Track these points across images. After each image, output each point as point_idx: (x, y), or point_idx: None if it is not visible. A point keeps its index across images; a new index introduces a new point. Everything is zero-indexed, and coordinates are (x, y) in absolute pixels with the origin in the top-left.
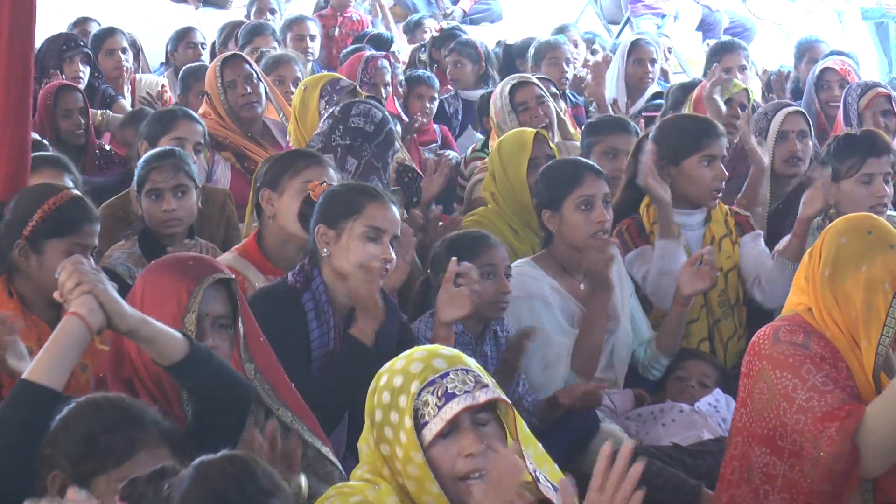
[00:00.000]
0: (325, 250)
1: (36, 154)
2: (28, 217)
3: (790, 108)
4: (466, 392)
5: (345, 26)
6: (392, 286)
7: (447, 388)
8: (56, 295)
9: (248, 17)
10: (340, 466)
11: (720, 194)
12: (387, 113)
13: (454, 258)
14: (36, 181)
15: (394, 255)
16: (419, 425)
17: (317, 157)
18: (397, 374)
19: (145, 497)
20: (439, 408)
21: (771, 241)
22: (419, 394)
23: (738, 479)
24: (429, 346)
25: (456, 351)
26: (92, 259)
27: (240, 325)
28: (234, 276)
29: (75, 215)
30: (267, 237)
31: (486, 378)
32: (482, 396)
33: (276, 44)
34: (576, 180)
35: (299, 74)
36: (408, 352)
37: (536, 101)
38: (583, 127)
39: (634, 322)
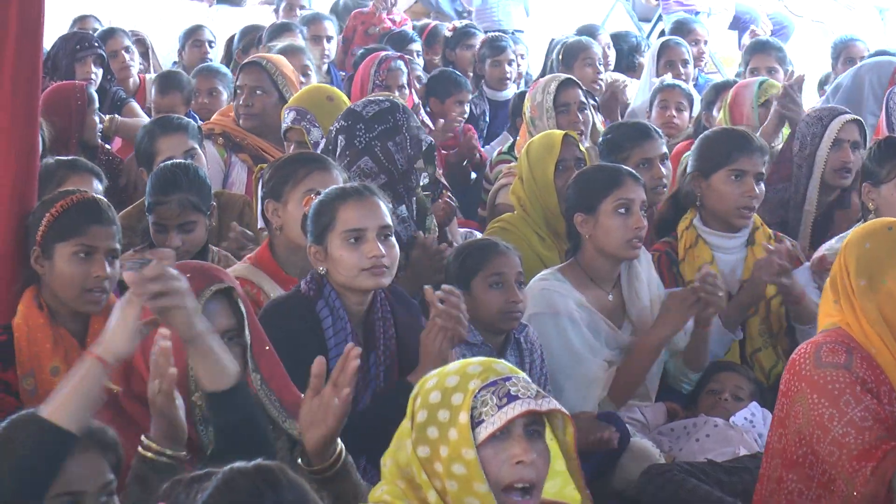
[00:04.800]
0: (322, 268)
1: (66, 158)
2: (40, 223)
3: (847, 117)
4: (529, 397)
5: (382, 21)
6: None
7: (510, 390)
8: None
9: (276, 12)
10: None
11: (750, 212)
12: (404, 105)
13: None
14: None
15: (385, 248)
16: (473, 424)
17: (319, 160)
18: (451, 375)
19: (178, 499)
20: (499, 408)
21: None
22: (478, 393)
23: (770, 501)
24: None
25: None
26: (107, 263)
27: (247, 333)
28: (232, 284)
29: (80, 217)
30: (277, 246)
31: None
32: (545, 405)
33: (303, 42)
34: (615, 183)
35: (307, 62)
36: (460, 361)
37: (578, 106)
38: (600, 143)
39: None
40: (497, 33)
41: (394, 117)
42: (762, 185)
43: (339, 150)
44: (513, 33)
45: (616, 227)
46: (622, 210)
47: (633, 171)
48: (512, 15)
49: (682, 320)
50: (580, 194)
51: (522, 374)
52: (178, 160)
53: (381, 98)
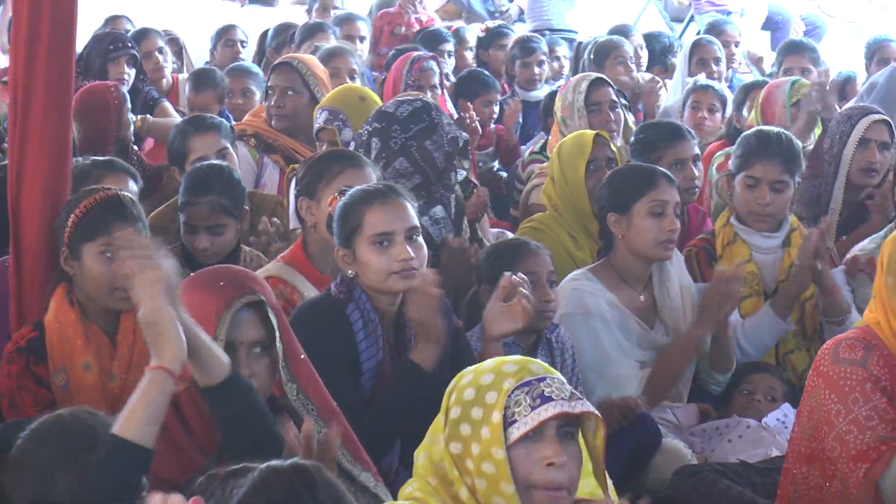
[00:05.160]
0: (350, 272)
1: (102, 159)
2: (66, 224)
3: (876, 116)
4: (563, 399)
5: (410, 26)
6: None
7: (544, 391)
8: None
9: (308, 12)
10: (382, 490)
11: (761, 219)
12: (435, 103)
13: (507, 273)
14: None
15: (413, 250)
16: (505, 424)
17: (353, 158)
18: (486, 372)
19: (214, 494)
20: (532, 408)
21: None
22: (511, 392)
23: (792, 497)
24: (518, 356)
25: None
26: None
27: (278, 344)
28: (265, 297)
29: (105, 216)
30: (311, 244)
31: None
32: (578, 407)
33: (336, 43)
34: (650, 184)
35: (355, 66)
36: (496, 358)
37: (610, 104)
38: (632, 142)
39: None
40: (531, 34)
41: (429, 116)
42: (786, 193)
43: (374, 152)
44: (555, 32)
45: (649, 229)
46: (656, 211)
47: (668, 173)
48: (563, 14)
49: (715, 320)
50: (614, 194)
51: (558, 375)
52: (213, 161)
53: (411, 97)
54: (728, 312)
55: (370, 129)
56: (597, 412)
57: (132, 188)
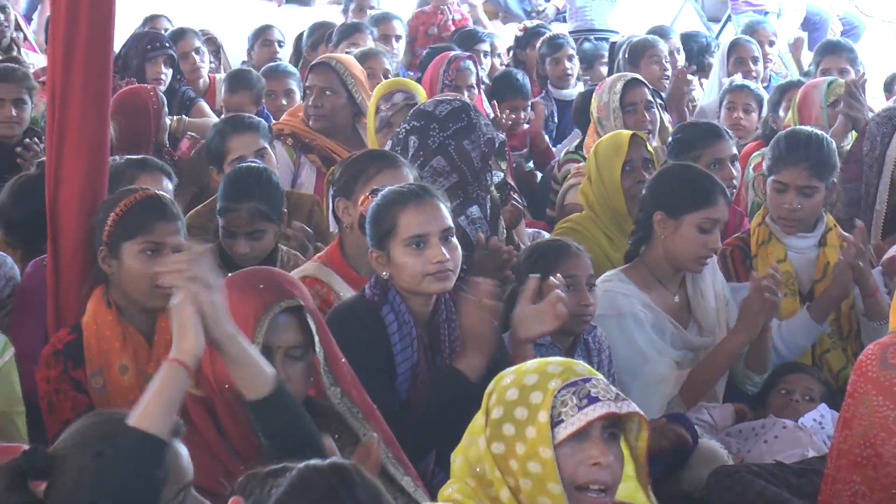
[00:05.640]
0: (385, 274)
1: (136, 158)
2: (105, 223)
3: None
4: (609, 400)
5: (444, 24)
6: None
7: (590, 391)
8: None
9: (344, 12)
10: (420, 494)
11: (789, 223)
12: (472, 103)
13: (534, 275)
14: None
15: (448, 252)
16: (552, 423)
17: (389, 158)
18: (530, 373)
19: (253, 493)
20: (580, 408)
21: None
22: (558, 392)
23: (834, 502)
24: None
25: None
26: None
27: (317, 347)
28: (304, 301)
29: (146, 214)
30: (347, 245)
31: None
32: (625, 408)
33: (372, 42)
34: (708, 200)
35: (388, 66)
36: (538, 359)
37: (645, 105)
38: (670, 142)
39: None
40: (558, 33)
41: (467, 116)
42: (815, 197)
43: (411, 150)
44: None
45: (693, 242)
46: (706, 228)
47: (727, 191)
48: (604, 15)
49: (757, 325)
50: (670, 195)
51: (601, 376)
52: (251, 164)
53: (450, 97)
54: (768, 320)
55: (408, 128)
56: (642, 413)
57: (167, 186)
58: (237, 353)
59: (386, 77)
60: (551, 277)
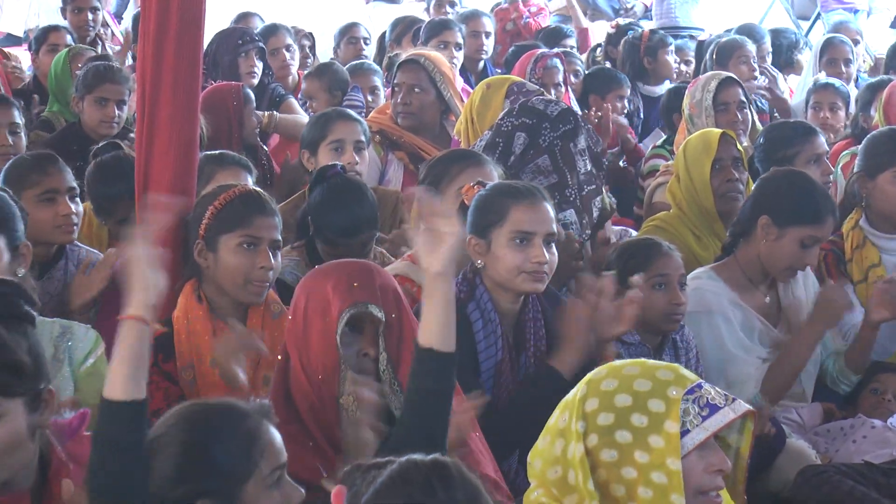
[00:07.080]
0: (479, 262)
1: (214, 153)
2: (203, 217)
3: None
4: (727, 405)
5: (519, 21)
6: None
7: (708, 399)
8: None
9: (427, 10)
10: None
11: None
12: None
13: (608, 273)
14: (218, 182)
15: (548, 255)
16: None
17: (473, 156)
18: (638, 378)
19: (355, 484)
20: (703, 418)
21: None
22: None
23: None
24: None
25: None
26: (270, 254)
27: (381, 365)
28: (383, 319)
29: (245, 208)
30: None
31: None
32: (740, 409)
33: (461, 39)
34: (818, 218)
35: (460, 39)
36: (625, 360)
37: (738, 104)
38: (761, 141)
39: None
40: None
41: (574, 119)
42: None
43: (518, 147)
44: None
45: (791, 255)
46: (808, 244)
47: (836, 211)
48: (689, 12)
49: (836, 318)
50: (781, 203)
51: (703, 380)
52: (349, 183)
53: (552, 98)
54: (839, 318)
55: (516, 123)
56: (755, 410)
57: (247, 181)
58: (445, 301)
59: (458, 49)
60: (634, 276)
